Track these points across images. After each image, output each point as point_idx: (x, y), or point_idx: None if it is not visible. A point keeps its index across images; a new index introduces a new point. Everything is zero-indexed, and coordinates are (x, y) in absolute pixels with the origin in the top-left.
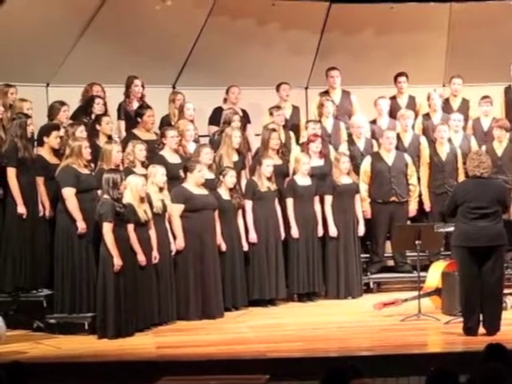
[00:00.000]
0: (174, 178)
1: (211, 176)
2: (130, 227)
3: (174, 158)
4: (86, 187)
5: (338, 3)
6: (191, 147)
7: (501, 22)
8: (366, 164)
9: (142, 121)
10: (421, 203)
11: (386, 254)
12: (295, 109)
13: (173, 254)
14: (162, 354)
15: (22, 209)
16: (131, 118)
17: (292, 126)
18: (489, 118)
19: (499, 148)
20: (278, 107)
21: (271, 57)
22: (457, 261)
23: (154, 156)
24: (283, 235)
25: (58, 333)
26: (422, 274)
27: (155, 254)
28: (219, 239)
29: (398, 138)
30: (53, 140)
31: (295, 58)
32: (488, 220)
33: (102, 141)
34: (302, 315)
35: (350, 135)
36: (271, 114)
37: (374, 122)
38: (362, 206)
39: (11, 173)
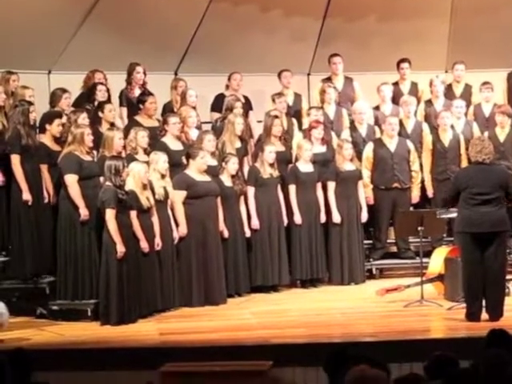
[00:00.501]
0: (176, 165)
1: (214, 163)
2: (133, 214)
3: (176, 145)
4: (88, 174)
5: None
6: (193, 134)
7: (503, 8)
8: (368, 150)
9: (144, 107)
10: (423, 189)
11: (388, 241)
12: (297, 96)
13: (175, 240)
14: (165, 341)
15: (27, 195)
16: (133, 104)
17: (295, 112)
18: (490, 104)
19: (502, 134)
20: (280, 94)
21: (273, 43)
22: (459, 247)
23: (156, 143)
24: (286, 221)
25: (60, 319)
26: (424, 260)
27: (158, 240)
28: (222, 226)
29: (401, 124)
30: (55, 128)
31: (297, 45)
32: (490, 206)
33: (104, 128)
34: (305, 301)
35: (352, 121)
36: (273, 100)
37: (377, 108)
38: (365, 193)
39: (15, 160)
